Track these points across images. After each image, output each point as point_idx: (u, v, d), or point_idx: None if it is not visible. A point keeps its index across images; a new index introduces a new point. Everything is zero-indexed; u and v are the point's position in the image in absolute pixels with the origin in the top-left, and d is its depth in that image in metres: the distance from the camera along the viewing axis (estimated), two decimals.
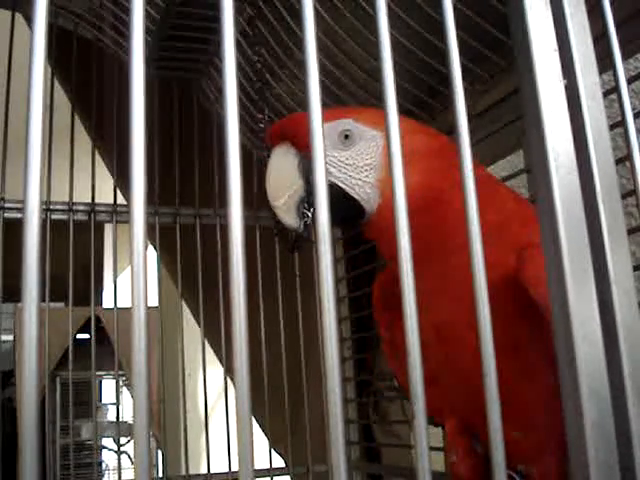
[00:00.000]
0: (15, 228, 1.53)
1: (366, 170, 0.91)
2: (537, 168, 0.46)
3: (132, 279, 0.38)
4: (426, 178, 0.88)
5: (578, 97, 0.47)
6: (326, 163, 0.89)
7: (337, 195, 0.91)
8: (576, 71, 0.47)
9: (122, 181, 1.72)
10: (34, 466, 0.33)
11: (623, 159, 0.66)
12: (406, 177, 0.86)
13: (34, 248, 0.36)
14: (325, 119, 0.93)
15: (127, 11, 1.55)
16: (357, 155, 0.92)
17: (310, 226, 0.93)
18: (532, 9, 0.47)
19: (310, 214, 0.92)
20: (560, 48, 0.48)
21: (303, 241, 0.99)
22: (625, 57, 1.08)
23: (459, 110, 0.48)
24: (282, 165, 0.94)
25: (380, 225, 0.91)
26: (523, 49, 0.47)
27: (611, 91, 0.67)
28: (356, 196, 0.91)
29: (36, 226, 0.35)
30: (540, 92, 0.46)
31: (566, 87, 0.47)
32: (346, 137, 0.92)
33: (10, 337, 4.74)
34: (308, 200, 0.91)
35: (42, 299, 0.39)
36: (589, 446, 0.42)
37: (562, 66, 0.48)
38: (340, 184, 0.91)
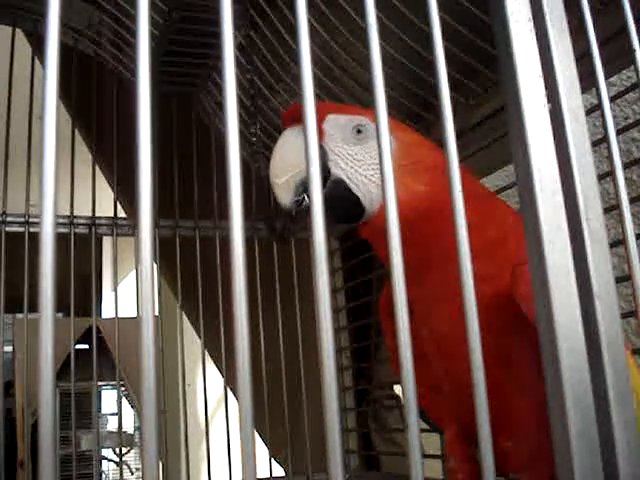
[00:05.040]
0: (15, 241, 1.55)
1: (373, 169, 0.91)
2: (523, 189, 0.48)
3: (140, 291, 0.39)
4: (431, 189, 0.89)
5: (562, 120, 0.49)
6: (335, 154, 0.91)
7: (340, 191, 0.91)
8: (560, 96, 0.49)
9: (122, 194, 1.74)
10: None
11: (609, 173, 0.68)
12: (410, 185, 0.88)
13: (50, 268, 0.38)
14: (343, 112, 0.95)
15: (126, 28, 1.57)
16: (367, 153, 0.92)
17: (303, 210, 0.91)
18: (518, 36, 0.50)
19: (307, 199, 0.90)
20: (545, 74, 0.50)
21: (293, 226, 0.97)
22: (612, 74, 1.11)
23: (447, 126, 0.50)
24: (291, 145, 0.93)
25: (378, 226, 0.90)
26: (509, 75, 0.49)
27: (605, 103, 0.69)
28: (359, 194, 0.91)
29: (50, 250, 0.37)
30: (525, 116, 0.48)
31: (550, 111, 0.49)
32: (359, 132, 0.92)
33: (9, 348, 4.73)
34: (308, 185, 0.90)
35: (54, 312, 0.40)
36: (574, 453, 0.44)
37: (546, 91, 0.50)
38: (345, 179, 0.91)
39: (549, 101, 0.49)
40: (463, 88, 1.30)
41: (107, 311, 6.77)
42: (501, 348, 0.84)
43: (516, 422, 0.86)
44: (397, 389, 1.77)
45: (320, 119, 0.93)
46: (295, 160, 0.91)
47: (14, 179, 1.55)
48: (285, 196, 0.92)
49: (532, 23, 0.51)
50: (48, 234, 0.37)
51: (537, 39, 0.50)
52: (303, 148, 0.91)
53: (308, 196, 0.90)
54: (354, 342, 1.82)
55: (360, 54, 1.37)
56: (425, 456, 1.34)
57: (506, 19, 0.50)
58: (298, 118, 0.93)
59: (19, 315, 1.62)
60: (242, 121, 1.57)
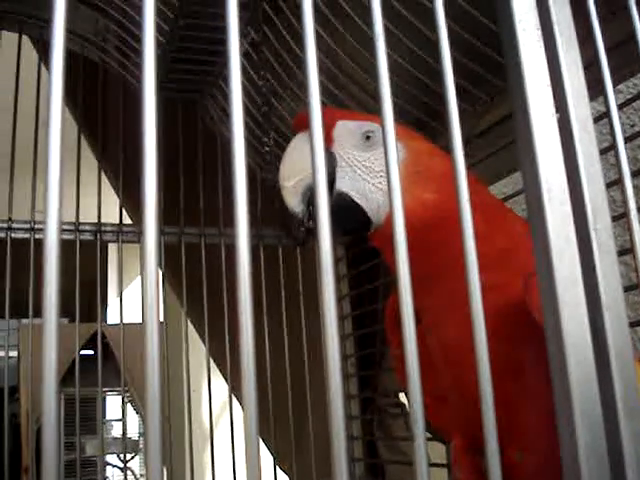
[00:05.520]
0: (21, 247, 1.55)
1: (381, 176, 0.91)
2: (531, 199, 0.48)
3: (143, 298, 0.39)
4: (440, 198, 0.88)
5: (570, 130, 0.48)
6: (344, 160, 0.91)
7: (345, 204, 0.91)
8: (568, 105, 0.49)
9: (128, 201, 1.74)
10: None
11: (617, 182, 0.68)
12: (420, 194, 0.88)
13: (54, 273, 0.37)
14: (352, 118, 0.95)
15: (132, 34, 1.58)
16: (375, 159, 0.92)
17: (312, 215, 0.92)
18: (526, 45, 0.49)
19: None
20: (553, 83, 0.49)
21: (306, 229, 0.98)
22: (619, 82, 1.10)
23: (454, 134, 0.50)
24: (300, 150, 0.93)
25: (387, 235, 0.90)
26: (517, 84, 0.49)
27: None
28: (364, 205, 0.91)
29: (54, 257, 0.37)
30: (533, 126, 0.48)
31: (558, 121, 0.49)
32: (368, 138, 0.92)
33: (14, 353, 4.74)
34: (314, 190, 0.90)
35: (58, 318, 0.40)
36: (582, 466, 0.43)
37: (555, 100, 0.49)
38: (351, 191, 0.91)
39: (557, 110, 0.49)
40: (469, 95, 1.30)
41: (112, 317, 6.78)
42: (511, 358, 0.84)
43: (525, 433, 0.85)
44: (402, 397, 1.76)
45: (330, 125, 0.93)
46: (303, 165, 0.91)
47: (20, 185, 1.55)
48: (292, 200, 0.93)
49: (540, 32, 0.50)
50: (52, 241, 0.37)
51: (545, 48, 0.50)
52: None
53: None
54: (359, 350, 1.81)
55: (366, 61, 1.37)
56: (430, 465, 1.33)
57: (514, 28, 0.49)
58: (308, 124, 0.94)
59: (24, 320, 1.62)
60: (248, 129, 1.57)
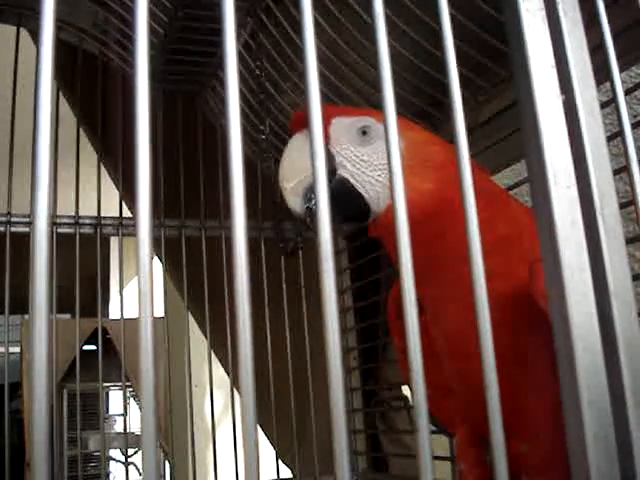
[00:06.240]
0: (22, 242, 1.54)
1: (380, 169, 0.91)
2: (536, 183, 0.47)
3: (139, 289, 0.38)
4: (439, 187, 0.88)
5: (576, 112, 0.47)
6: (342, 156, 0.91)
7: (345, 190, 0.91)
8: (574, 87, 0.48)
9: (128, 194, 1.73)
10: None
11: (623, 169, 0.67)
12: (418, 185, 0.88)
13: (43, 265, 0.36)
14: (348, 114, 0.94)
15: (132, 26, 1.56)
16: (373, 153, 0.91)
17: (314, 214, 0.92)
18: (530, 26, 0.48)
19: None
20: (558, 64, 0.48)
21: (305, 234, 0.98)
22: (625, 67, 1.09)
23: (458, 123, 0.49)
24: (299, 150, 0.93)
25: (388, 225, 0.90)
26: (521, 65, 0.48)
27: (612, 101, 0.68)
28: (364, 193, 0.91)
29: (44, 247, 0.36)
30: (538, 108, 0.47)
31: (564, 103, 0.48)
32: (364, 133, 0.92)
33: (17, 349, 4.74)
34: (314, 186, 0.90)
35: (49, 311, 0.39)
36: (590, 457, 0.42)
37: (560, 82, 0.48)
38: (351, 179, 0.91)
39: (562, 92, 0.48)
40: (471, 85, 1.29)
41: (115, 312, 6.78)
42: (516, 347, 0.83)
43: (531, 424, 0.85)
44: (405, 390, 1.76)
45: (326, 123, 0.92)
46: (303, 165, 0.91)
47: (19, 179, 1.54)
48: (294, 201, 0.93)
49: (544, 12, 0.49)
50: (42, 230, 0.36)
51: (549, 28, 0.49)
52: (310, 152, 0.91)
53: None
54: (362, 342, 1.80)
55: (368, 52, 1.36)
56: (433, 457, 1.32)
57: (517, 8, 0.48)
58: (306, 122, 0.93)
59: (27, 316, 1.62)
60: (247, 119, 1.56)
